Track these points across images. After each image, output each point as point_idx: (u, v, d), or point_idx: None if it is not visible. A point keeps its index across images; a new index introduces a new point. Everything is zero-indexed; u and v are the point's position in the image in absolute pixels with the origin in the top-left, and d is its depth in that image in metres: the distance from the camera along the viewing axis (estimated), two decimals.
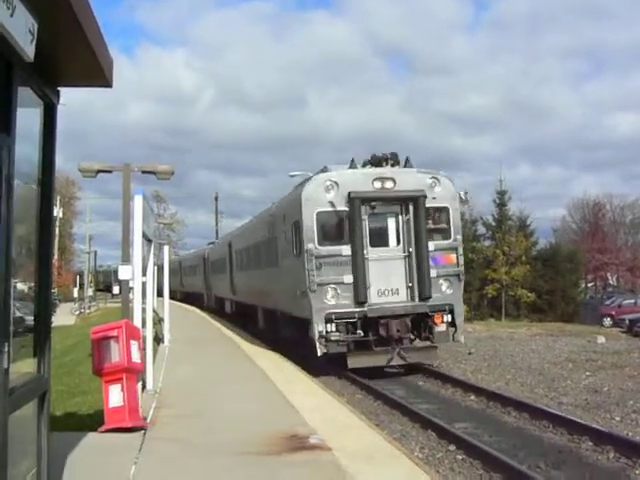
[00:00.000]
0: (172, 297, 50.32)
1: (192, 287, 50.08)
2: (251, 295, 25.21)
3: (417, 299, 15.29)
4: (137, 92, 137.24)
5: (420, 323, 15.54)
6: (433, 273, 15.38)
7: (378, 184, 15.48)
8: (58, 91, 5.19)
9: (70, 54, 4.53)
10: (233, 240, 30.00)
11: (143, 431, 8.34)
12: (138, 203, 10.49)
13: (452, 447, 9.22)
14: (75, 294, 55.71)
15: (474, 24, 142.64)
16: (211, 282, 38.78)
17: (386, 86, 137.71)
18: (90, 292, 54.15)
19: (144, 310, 12.02)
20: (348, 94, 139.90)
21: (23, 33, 3.63)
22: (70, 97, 5.34)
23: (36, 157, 5.12)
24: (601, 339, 24.98)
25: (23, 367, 4.94)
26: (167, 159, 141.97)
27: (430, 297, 15.23)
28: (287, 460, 7.05)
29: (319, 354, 14.86)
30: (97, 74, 4.98)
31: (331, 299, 14.96)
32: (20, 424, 4.53)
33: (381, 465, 6.89)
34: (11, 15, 3.39)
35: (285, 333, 19.15)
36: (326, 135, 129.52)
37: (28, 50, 3.76)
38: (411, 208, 15.49)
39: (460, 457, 8.81)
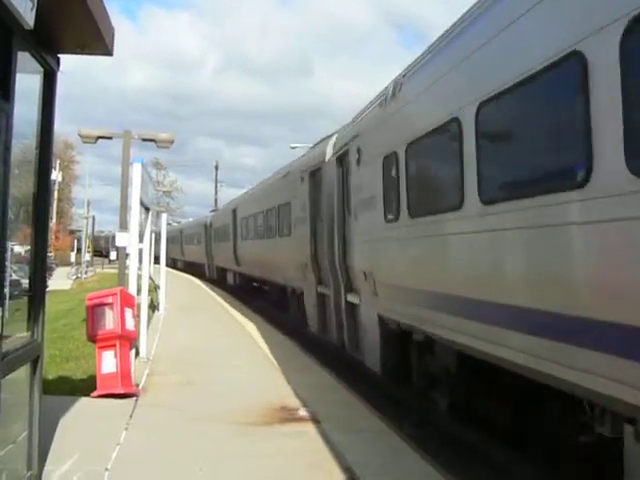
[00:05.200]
0: (222, 277, 31.41)
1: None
2: None
3: None
4: (139, 56, 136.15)
5: None
6: None
7: None
8: (58, 58, 5.18)
9: (71, 22, 4.51)
10: None
11: (135, 398, 8.45)
12: (137, 171, 10.46)
13: None
14: (72, 259, 55.69)
15: None
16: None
17: (396, 58, 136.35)
18: (87, 257, 54.01)
19: (140, 277, 12.08)
20: (355, 65, 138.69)
21: (23, 0, 3.61)
22: (70, 59, 5.31)
23: (35, 121, 5.14)
24: None
25: (16, 331, 5.00)
26: (168, 125, 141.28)
27: None
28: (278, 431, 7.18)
29: None
30: (98, 42, 4.97)
31: None
32: (12, 387, 4.61)
33: None
34: None
35: None
36: (329, 106, 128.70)
37: (28, 17, 3.74)
38: None
39: None
